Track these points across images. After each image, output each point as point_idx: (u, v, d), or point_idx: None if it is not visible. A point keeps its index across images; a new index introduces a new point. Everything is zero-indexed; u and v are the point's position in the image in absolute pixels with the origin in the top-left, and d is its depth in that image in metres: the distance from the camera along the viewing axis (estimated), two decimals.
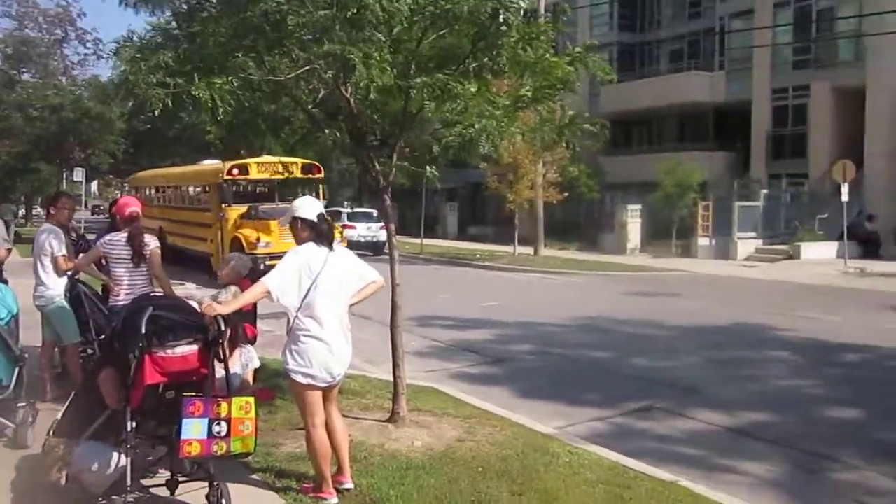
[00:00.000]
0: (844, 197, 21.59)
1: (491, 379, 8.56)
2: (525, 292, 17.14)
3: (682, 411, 7.20)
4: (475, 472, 4.99)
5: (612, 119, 11.96)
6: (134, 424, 3.87)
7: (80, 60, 38.22)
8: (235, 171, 17.28)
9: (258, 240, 16.48)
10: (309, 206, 4.51)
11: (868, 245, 24.06)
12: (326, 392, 4.41)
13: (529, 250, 25.04)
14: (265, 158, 16.04)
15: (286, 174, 12.42)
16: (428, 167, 5.97)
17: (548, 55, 5.36)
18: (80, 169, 34.51)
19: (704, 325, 12.20)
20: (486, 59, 5.43)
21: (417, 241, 28.70)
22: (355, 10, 4.56)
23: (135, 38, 5.61)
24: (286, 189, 15.67)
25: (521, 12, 5.28)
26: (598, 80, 5.88)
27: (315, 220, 4.42)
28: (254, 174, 17.14)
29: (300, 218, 4.46)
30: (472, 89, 4.82)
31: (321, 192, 17.32)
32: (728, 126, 31.12)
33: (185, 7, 5.44)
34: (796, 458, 5.96)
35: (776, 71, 29.10)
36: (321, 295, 4.24)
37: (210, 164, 20.69)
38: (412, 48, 5.51)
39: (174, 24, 5.78)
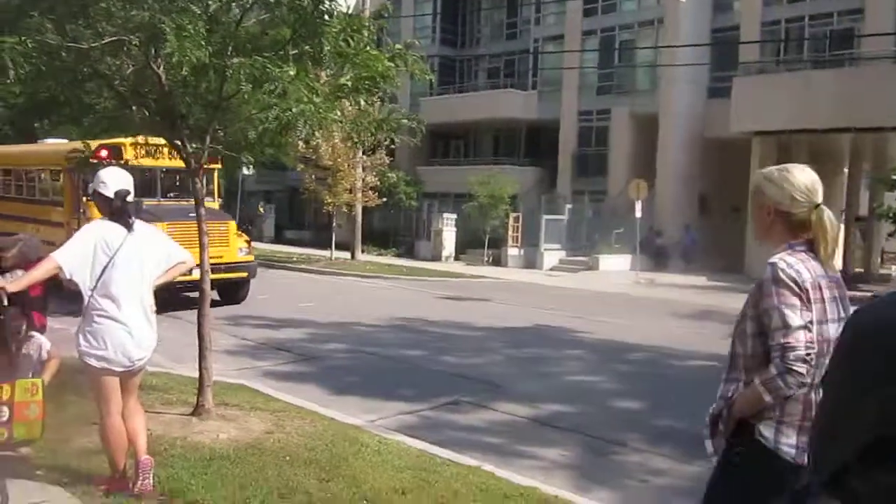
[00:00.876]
0: (638, 214, 23.46)
1: (303, 376, 8.46)
2: (341, 295, 17.10)
3: (487, 404, 7.51)
4: (283, 462, 4.92)
5: (431, 130, 12.27)
6: None
7: None
8: (104, 154, 11.80)
9: None
10: (110, 180, 4.18)
11: (658, 258, 26.30)
12: (125, 379, 4.14)
13: (347, 255, 25.02)
14: (143, 139, 11.01)
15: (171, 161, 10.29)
16: (244, 154, 5.82)
17: (369, 48, 5.43)
18: None
19: (510, 326, 12.79)
20: (306, 47, 5.41)
21: None
22: None
23: None
24: (171, 180, 13.45)
25: (345, 6, 5.33)
26: (418, 80, 6.01)
27: (111, 196, 4.13)
28: (129, 158, 11.64)
29: (98, 193, 4.17)
30: (291, 73, 4.77)
31: (216, 185, 14.53)
32: (539, 143, 32.89)
33: None
34: (587, 444, 6.41)
35: (582, 94, 31.16)
36: (119, 273, 3.96)
37: (57, 143, 14.86)
38: (231, 30, 5.37)
39: None
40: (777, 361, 2.44)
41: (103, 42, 4.98)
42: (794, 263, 2.51)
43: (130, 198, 4.18)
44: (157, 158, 8.66)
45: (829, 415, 1.17)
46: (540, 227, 26.15)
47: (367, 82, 5.32)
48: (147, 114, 5.61)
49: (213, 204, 13.62)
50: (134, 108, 5.60)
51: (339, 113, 5.49)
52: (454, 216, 28.79)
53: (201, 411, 5.68)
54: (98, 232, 4.02)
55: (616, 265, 25.18)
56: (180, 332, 8.49)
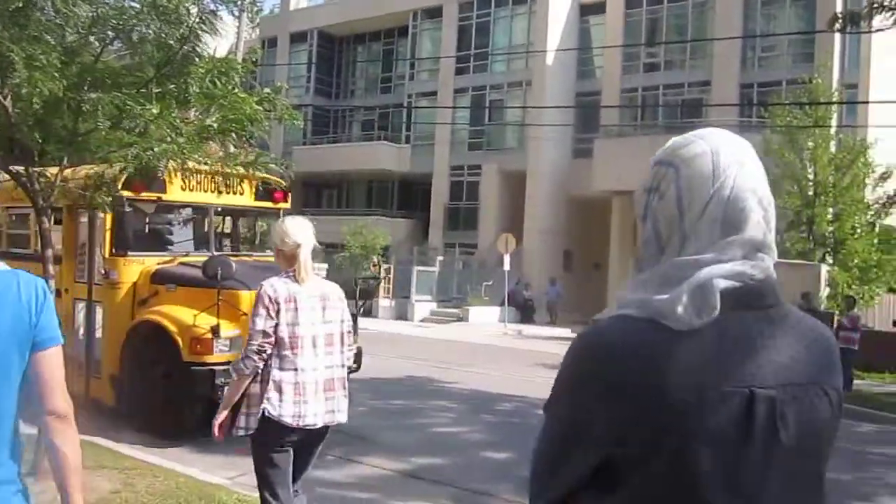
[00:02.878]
0: (506, 267, 24.06)
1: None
2: None
3: (354, 458, 7.31)
4: None
5: (303, 179, 11.85)
6: None
7: None
8: (139, 188, 7.11)
9: (216, 332, 6.89)
10: None
11: (525, 310, 26.97)
12: None
13: None
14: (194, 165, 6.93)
15: (235, 193, 7.93)
16: (99, 193, 5.51)
17: (237, 90, 5.32)
18: None
19: (379, 377, 12.62)
20: (171, 86, 5.24)
21: None
22: (20, 5, 4.12)
23: None
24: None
25: (213, 49, 5.22)
26: (289, 127, 5.94)
27: None
28: (173, 194, 7.63)
29: None
30: (154, 111, 4.58)
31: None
32: (411, 195, 33.31)
33: None
34: (457, 495, 6.35)
35: (454, 149, 31.95)
36: None
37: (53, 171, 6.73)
38: (89, 63, 5.13)
39: None
40: (242, 352, 3.66)
41: None
42: (276, 284, 3.58)
43: None
44: (209, 192, 7.55)
45: (548, 441, 1.29)
46: (411, 277, 26.26)
47: (234, 124, 5.20)
48: None
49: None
50: None
51: (203, 154, 5.31)
52: (325, 266, 28.45)
53: (37, 471, 5.19)
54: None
55: (485, 316, 25.59)
56: None
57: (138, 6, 4.87)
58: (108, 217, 6.84)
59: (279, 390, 3.52)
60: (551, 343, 21.08)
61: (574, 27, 29.86)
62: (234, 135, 5.31)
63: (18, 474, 1.82)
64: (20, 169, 5.20)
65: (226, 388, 3.83)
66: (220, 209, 8.53)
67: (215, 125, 5.11)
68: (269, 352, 3.53)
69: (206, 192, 7.72)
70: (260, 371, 3.56)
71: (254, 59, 6.42)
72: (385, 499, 6.12)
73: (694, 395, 1.09)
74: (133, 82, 5.33)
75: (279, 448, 3.60)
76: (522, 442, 8.59)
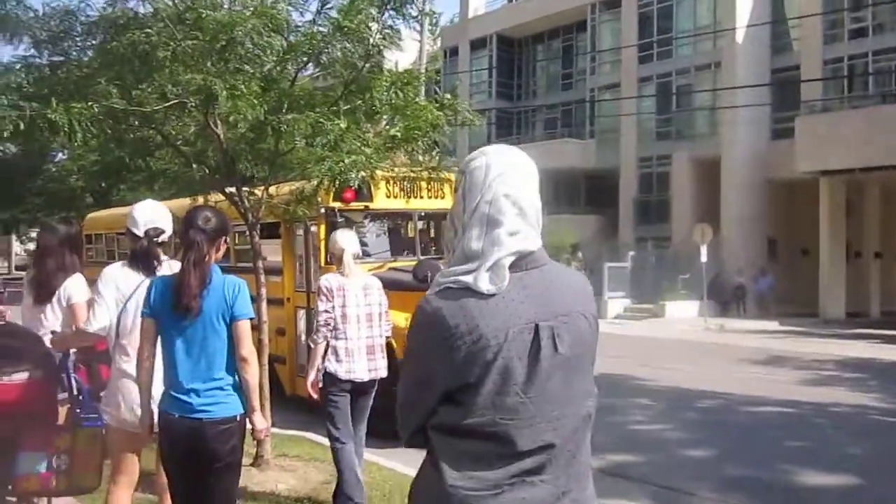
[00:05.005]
0: (703, 259, 22.98)
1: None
2: None
3: None
4: None
5: None
6: None
7: None
8: (348, 198, 7.80)
9: None
10: (140, 216, 3.70)
11: (735, 299, 25.62)
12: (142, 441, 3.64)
13: None
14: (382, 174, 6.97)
15: (436, 197, 8.33)
16: (299, 206, 5.97)
17: (417, 99, 5.54)
18: None
19: None
20: (358, 102, 5.56)
21: None
22: (224, 43, 4.56)
23: None
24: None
25: (395, 63, 5.48)
26: (478, 128, 6.08)
27: (140, 235, 3.66)
28: (379, 202, 8.29)
29: (128, 230, 3.75)
30: (342, 125, 4.89)
31: None
32: (598, 191, 32.72)
33: (46, 35, 5.26)
34: (657, 494, 6.18)
35: (641, 141, 31.00)
36: (132, 322, 3.53)
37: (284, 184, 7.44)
38: (286, 87, 5.56)
39: (34, 52, 5.60)
40: (314, 327, 4.97)
41: (166, 105, 5.20)
42: (330, 278, 4.93)
43: (165, 237, 3.73)
44: (412, 198, 8.01)
45: (407, 387, 1.75)
46: (603, 275, 25.80)
47: (416, 132, 5.41)
48: (207, 172, 5.81)
49: None
50: (195, 166, 5.81)
51: (391, 162, 5.58)
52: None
53: (260, 462, 5.71)
54: (111, 281, 3.63)
55: (683, 311, 24.61)
56: None
57: (325, 30, 5.21)
58: (321, 228, 7.43)
59: (335, 353, 4.87)
60: (757, 337, 19.86)
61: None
62: (419, 142, 5.52)
63: (232, 383, 3.19)
64: (232, 189, 5.74)
65: (308, 356, 5.28)
66: (423, 213, 8.94)
67: (399, 134, 5.36)
68: (331, 325, 4.83)
69: (409, 198, 8.21)
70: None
71: (436, 69, 6.62)
72: None
73: (502, 334, 1.62)
74: (324, 101, 5.72)
75: (337, 394, 4.88)
76: (725, 440, 8.19)
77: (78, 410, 3.70)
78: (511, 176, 1.72)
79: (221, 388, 3.15)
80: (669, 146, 29.83)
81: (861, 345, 18.36)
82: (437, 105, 5.62)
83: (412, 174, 5.90)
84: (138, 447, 3.62)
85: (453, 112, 5.71)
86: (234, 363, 3.20)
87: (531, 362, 1.63)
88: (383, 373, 5.02)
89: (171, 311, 3.12)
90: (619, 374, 12.80)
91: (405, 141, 5.43)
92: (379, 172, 5.74)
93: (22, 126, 4.37)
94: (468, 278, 1.64)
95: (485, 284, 1.62)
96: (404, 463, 5.99)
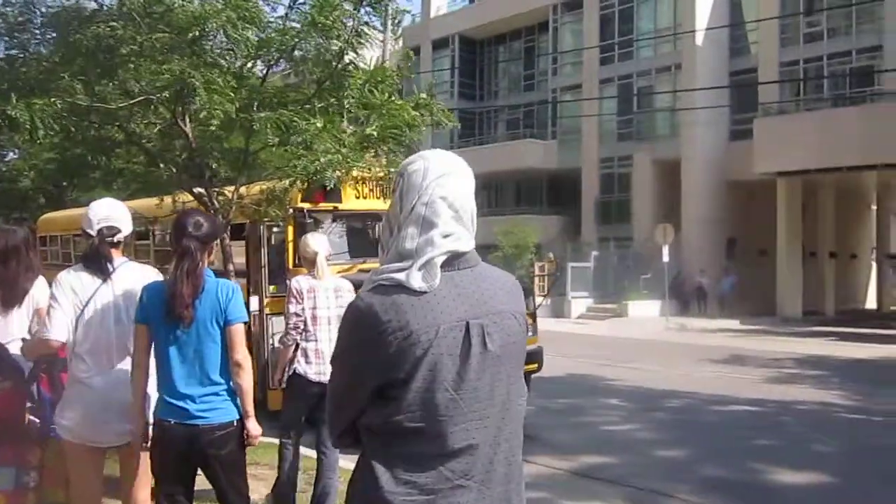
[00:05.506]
0: (665, 258, 23.23)
1: None
2: None
3: (524, 457, 7.26)
4: None
5: None
6: None
7: None
8: (317, 199, 7.54)
9: None
10: (94, 215, 3.44)
11: (696, 299, 25.93)
12: (114, 456, 3.49)
13: None
14: (359, 174, 6.98)
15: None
16: (272, 207, 5.81)
17: (394, 98, 5.42)
18: None
19: (540, 376, 12.51)
20: (332, 100, 5.43)
21: None
22: (197, 34, 4.40)
23: None
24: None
25: (367, 61, 5.35)
26: (443, 129, 5.99)
27: (93, 234, 3.39)
28: (348, 203, 8.14)
29: (83, 231, 3.50)
30: (318, 125, 4.76)
31: None
32: (561, 191, 32.92)
33: (3, 27, 5.01)
34: (633, 496, 6.15)
35: (603, 141, 31.24)
36: (90, 329, 3.32)
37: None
38: (256, 84, 5.41)
39: None
40: (284, 330, 4.90)
41: (131, 102, 5.01)
42: (301, 280, 4.85)
43: (121, 237, 3.45)
44: (382, 199, 7.75)
45: (338, 384, 1.77)
46: (566, 275, 25.93)
47: (393, 131, 5.30)
48: (174, 171, 5.62)
49: None
50: (162, 165, 5.61)
51: (364, 164, 5.46)
52: None
53: None
54: (67, 285, 3.36)
55: (645, 311, 24.85)
56: None
57: (298, 25, 5.07)
58: (290, 229, 7.25)
59: (304, 355, 4.84)
60: (718, 336, 20.16)
61: (724, 2, 28.37)
62: (392, 142, 5.41)
63: (227, 388, 3.15)
64: (201, 190, 5.56)
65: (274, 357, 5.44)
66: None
67: (375, 133, 5.24)
68: (301, 328, 4.80)
69: (377, 198, 8.05)
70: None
71: (409, 65, 6.52)
72: (557, 498, 6.02)
73: (433, 330, 1.63)
74: (296, 99, 5.58)
75: (300, 398, 4.89)
76: (696, 440, 8.22)
77: (37, 421, 3.51)
78: (448, 179, 1.75)
79: (217, 394, 3.13)
80: (631, 147, 30.13)
81: (818, 342, 18.75)
82: (413, 104, 5.50)
83: (388, 175, 5.79)
84: (98, 463, 3.37)
85: (429, 112, 5.61)
86: (228, 368, 3.16)
87: (462, 360, 1.66)
88: None
89: (164, 318, 3.07)
90: (584, 373, 12.85)
91: (381, 140, 5.31)
92: (354, 172, 5.61)
93: None
94: (401, 276, 1.67)
95: (416, 282, 1.66)
96: None
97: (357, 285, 7.60)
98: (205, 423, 3.06)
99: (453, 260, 1.70)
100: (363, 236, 9.03)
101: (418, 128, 5.50)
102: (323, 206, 7.68)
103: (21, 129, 4.31)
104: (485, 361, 1.68)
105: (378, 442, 1.68)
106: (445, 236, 1.69)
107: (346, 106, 5.37)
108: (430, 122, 5.69)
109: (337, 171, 4.98)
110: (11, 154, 34.70)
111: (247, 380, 3.17)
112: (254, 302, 7.87)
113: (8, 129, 4.43)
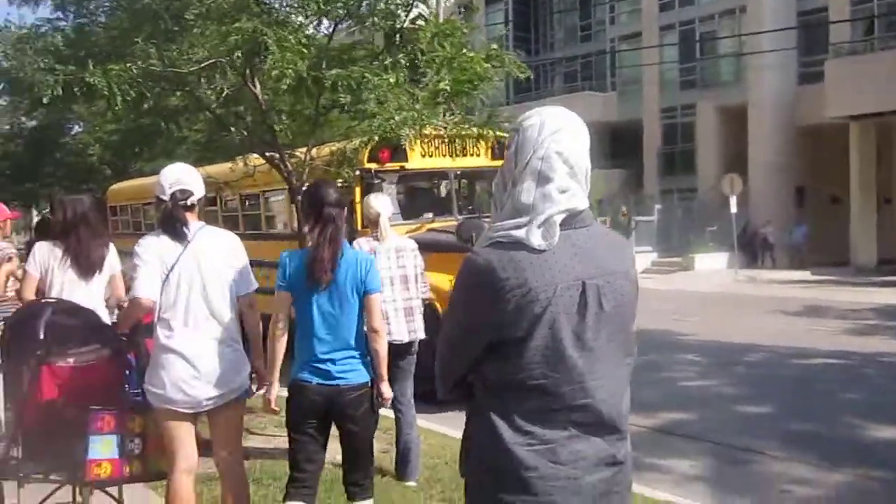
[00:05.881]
0: (733, 209, 22.57)
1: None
2: None
3: None
4: None
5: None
6: (20, 449, 3.37)
7: None
8: (384, 159, 7.59)
9: None
10: (165, 179, 3.37)
11: (761, 251, 25.22)
12: (211, 423, 3.42)
13: None
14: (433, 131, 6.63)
15: (472, 155, 7.75)
16: (343, 168, 5.74)
17: (465, 51, 5.25)
18: None
19: None
20: (399, 56, 5.28)
21: None
22: None
23: (13, 29, 5.19)
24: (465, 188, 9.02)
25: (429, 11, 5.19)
26: (511, 77, 5.78)
27: (166, 199, 3.32)
28: (415, 162, 8.05)
29: (155, 197, 3.43)
30: (391, 80, 4.63)
31: None
32: (622, 144, 32.16)
33: None
34: (718, 452, 6.01)
35: (664, 91, 30.36)
36: (176, 295, 3.28)
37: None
38: (324, 43, 5.31)
39: (59, 15, 5.35)
40: None
41: (202, 65, 4.96)
42: (362, 242, 4.65)
43: (194, 199, 3.37)
44: (448, 157, 7.60)
45: (451, 337, 1.77)
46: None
47: (467, 85, 5.14)
48: (245, 134, 5.58)
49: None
50: (233, 129, 5.58)
51: (440, 119, 5.31)
52: None
53: None
54: (153, 250, 3.30)
55: (712, 264, 24.27)
56: None
57: None
58: (357, 191, 7.20)
59: None
60: (791, 288, 19.53)
61: None
62: (465, 96, 5.24)
63: (361, 352, 3.39)
64: (274, 153, 5.51)
65: None
66: (458, 172, 8.58)
67: (448, 88, 5.07)
68: None
69: (444, 157, 7.91)
70: None
71: (468, 17, 6.30)
72: (642, 457, 5.87)
73: (551, 289, 1.64)
74: (365, 56, 5.46)
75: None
76: (778, 394, 7.97)
77: (126, 387, 3.53)
78: (564, 135, 1.75)
79: (354, 357, 3.37)
80: (694, 95, 29.19)
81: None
82: (484, 56, 5.32)
83: (461, 131, 5.62)
84: (190, 428, 3.32)
85: (500, 63, 5.41)
86: (362, 334, 3.42)
87: (579, 319, 1.67)
88: (422, 334, 4.92)
89: (306, 284, 3.29)
90: (657, 328, 12.57)
91: (454, 95, 5.15)
92: (427, 130, 5.47)
93: (60, 91, 4.14)
94: (520, 233, 1.66)
95: (536, 240, 1.66)
96: (455, 428, 5.84)
97: (429, 245, 7.61)
98: (345, 383, 3.30)
99: (570, 219, 1.70)
100: (430, 195, 8.94)
101: (490, 80, 5.31)
102: (389, 165, 7.61)
103: (97, 96, 4.30)
104: (600, 321, 1.70)
105: (495, 396, 1.70)
106: (562, 192, 1.69)
107: (416, 61, 5.21)
108: (503, 75, 5.49)
109: (412, 129, 4.85)
110: (77, 127, 35.69)
111: (382, 345, 3.44)
112: None
113: (86, 97, 4.43)
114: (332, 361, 3.29)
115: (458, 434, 5.23)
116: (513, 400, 1.68)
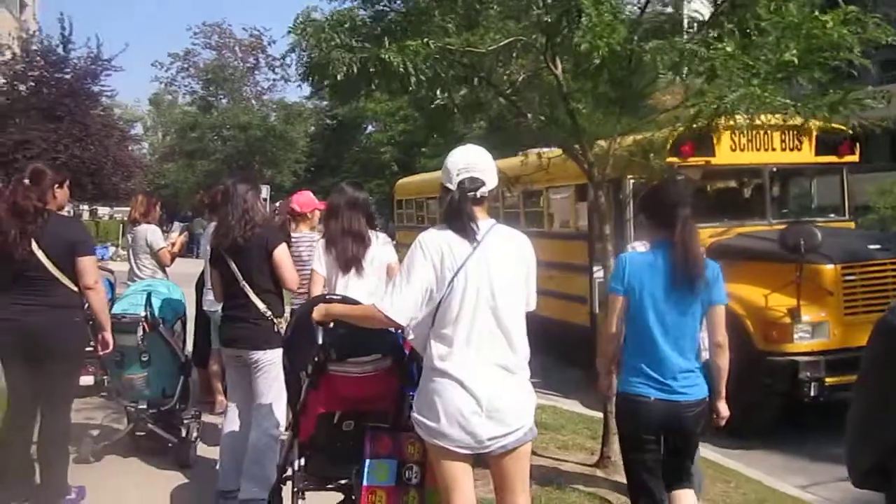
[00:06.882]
0: None
1: None
2: None
3: None
4: None
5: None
6: (302, 462, 3.10)
7: (269, 86, 39.82)
8: (687, 152, 6.57)
9: (795, 315, 5.88)
10: (453, 164, 2.82)
11: None
12: (492, 465, 2.82)
13: None
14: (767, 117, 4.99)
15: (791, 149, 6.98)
16: (654, 159, 4.96)
17: (816, 13, 4.20)
18: (265, 187, 36.00)
19: None
20: (729, 26, 4.38)
21: None
22: None
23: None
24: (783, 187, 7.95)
25: None
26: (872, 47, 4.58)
27: (452, 189, 2.78)
28: (723, 157, 6.90)
29: (441, 186, 2.89)
30: (728, 49, 3.77)
31: (845, 189, 7.92)
32: None
33: None
34: None
35: None
36: (459, 305, 2.71)
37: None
38: (635, 14, 4.60)
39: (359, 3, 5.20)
40: None
41: (501, 44, 4.49)
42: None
43: (485, 191, 2.80)
44: (762, 150, 6.84)
45: (860, 412, 1.50)
46: None
47: (821, 55, 4.09)
48: (542, 119, 5.01)
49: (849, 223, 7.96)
50: (529, 115, 5.03)
51: (783, 95, 4.27)
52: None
53: (606, 463, 4.88)
54: (436, 251, 2.73)
55: None
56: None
57: None
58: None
59: None
60: None
61: None
62: (817, 69, 4.18)
63: (699, 365, 3.21)
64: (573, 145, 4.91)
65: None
66: (774, 170, 7.32)
67: (795, 60, 4.04)
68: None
69: (757, 150, 6.84)
70: None
71: None
72: None
73: None
74: (675, 29, 4.66)
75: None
76: None
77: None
78: None
79: (692, 371, 3.17)
80: None
81: None
82: (840, 19, 4.21)
83: (799, 118, 4.52)
84: (468, 469, 2.73)
85: (862, 28, 4.27)
86: (697, 346, 3.23)
87: None
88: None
89: (652, 291, 3.11)
90: None
91: (803, 67, 4.11)
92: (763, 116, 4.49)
93: (355, 70, 3.87)
94: None
95: None
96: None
97: (741, 253, 6.51)
98: (685, 398, 3.12)
99: None
100: (737, 195, 7.79)
101: (851, 50, 4.18)
102: (692, 160, 6.63)
103: (393, 76, 3.98)
104: None
105: None
106: None
107: (749, 28, 4.28)
108: (863, 43, 4.32)
109: (750, 109, 3.94)
110: (371, 127, 38.48)
111: (725, 360, 3.21)
112: (598, 272, 6.96)
113: (381, 77, 4.14)
114: (674, 376, 3.12)
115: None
116: None
